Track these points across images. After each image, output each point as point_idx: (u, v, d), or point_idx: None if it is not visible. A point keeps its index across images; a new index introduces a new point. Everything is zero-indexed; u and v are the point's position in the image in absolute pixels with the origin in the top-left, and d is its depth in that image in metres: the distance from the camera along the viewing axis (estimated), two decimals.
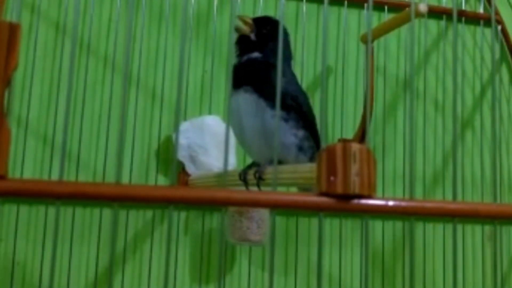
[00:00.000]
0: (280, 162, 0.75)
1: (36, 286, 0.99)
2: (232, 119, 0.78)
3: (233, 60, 0.83)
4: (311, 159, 0.77)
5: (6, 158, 0.41)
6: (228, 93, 0.70)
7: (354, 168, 0.44)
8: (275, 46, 0.80)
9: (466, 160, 1.22)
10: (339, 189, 0.44)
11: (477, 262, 1.20)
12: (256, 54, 0.81)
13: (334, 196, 0.44)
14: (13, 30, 0.43)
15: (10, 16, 0.88)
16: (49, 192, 0.41)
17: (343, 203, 0.45)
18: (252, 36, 0.82)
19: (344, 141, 0.45)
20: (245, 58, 0.81)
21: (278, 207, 0.45)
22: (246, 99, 0.76)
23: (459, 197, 1.18)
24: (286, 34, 0.86)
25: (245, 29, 0.82)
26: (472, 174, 1.22)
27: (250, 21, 0.82)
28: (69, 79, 0.46)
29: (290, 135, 0.77)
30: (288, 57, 0.85)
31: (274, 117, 0.73)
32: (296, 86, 0.81)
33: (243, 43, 0.82)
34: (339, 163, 0.44)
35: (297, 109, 0.77)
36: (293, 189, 0.89)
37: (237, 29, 0.82)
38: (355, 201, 0.45)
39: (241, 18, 0.83)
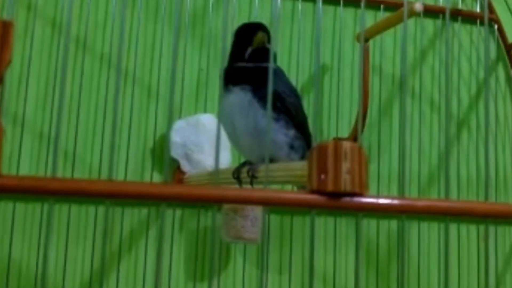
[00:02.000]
0: (272, 161, 0.75)
1: (31, 282, 0.99)
2: (224, 117, 0.79)
3: (227, 59, 0.83)
4: (303, 158, 0.77)
5: (0, 155, 0.41)
6: (220, 90, 0.70)
7: (345, 166, 0.44)
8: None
9: (461, 159, 1.23)
10: (330, 187, 0.44)
11: (472, 261, 1.20)
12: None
13: (325, 194, 0.44)
14: (6, 27, 0.43)
15: (6, 13, 0.88)
16: (42, 189, 0.42)
17: (334, 201, 0.45)
18: (268, 46, 0.81)
19: (335, 139, 0.45)
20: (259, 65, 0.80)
21: (269, 205, 0.45)
22: (240, 98, 0.77)
23: (454, 196, 1.18)
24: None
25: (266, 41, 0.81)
26: (467, 173, 1.22)
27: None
28: (62, 76, 0.46)
29: (280, 134, 0.77)
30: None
31: (265, 117, 0.74)
32: (287, 87, 0.81)
33: (264, 54, 0.80)
34: (330, 161, 0.44)
35: (286, 110, 0.78)
36: (288, 187, 0.89)
37: (262, 42, 0.80)
38: (346, 199, 0.45)
39: (260, 33, 0.81)
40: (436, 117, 1.22)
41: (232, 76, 0.79)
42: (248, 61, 0.80)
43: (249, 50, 0.80)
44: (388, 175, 1.18)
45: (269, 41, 0.80)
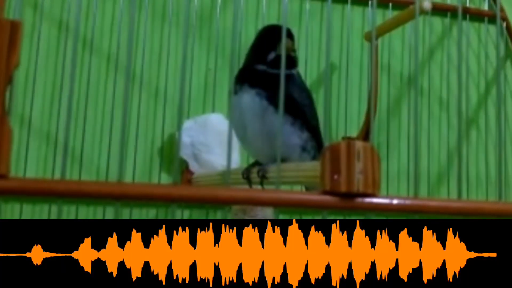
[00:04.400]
0: (283, 161, 0.74)
1: None
2: (234, 118, 0.77)
3: (236, 59, 0.82)
4: (314, 158, 0.76)
5: (8, 157, 0.40)
6: (231, 89, 0.69)
7: (358, 166, 0.44)
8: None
9: (471, 158, 1.21)
10: (343, 188, 0.43)
11: None
12: (293, 70, 0.80)
13: (338, 195, 0.44)
14: (14, 28, 0.42)
15: (13, 14, 0.87)
16: (50, 191, 0.41)
17: (346, 201, 0.44)
18: (292, 54, 0.79)
19: (348, 139, 0.45)
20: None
21: (280, 206, 0.44)
22: (255, 102, 0.75)
23: (464, 196, 1.17)
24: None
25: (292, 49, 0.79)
26: (477, 172, 1.21)
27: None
28: (71, 78, 0.45)
29: (295, 136, 0.76)
30: None
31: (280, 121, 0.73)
32: (302, 92, 0.80)
33: (287, 61, 0.79)
34: (343, 161, 0.44)
35: (302, 114, 0.77)
36: (297, 187, 0.88)
37: (290, 50, 0.78)
38: (359, 199, 0.44)
39: (288, 40, 0.79)
40: (445, 115, 1.21)
41: (250, 77, 0.77)
42: (270, 66, 0.78)
43: (273, 54, 0.78)
44: (397, 173, 1.17)
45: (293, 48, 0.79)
